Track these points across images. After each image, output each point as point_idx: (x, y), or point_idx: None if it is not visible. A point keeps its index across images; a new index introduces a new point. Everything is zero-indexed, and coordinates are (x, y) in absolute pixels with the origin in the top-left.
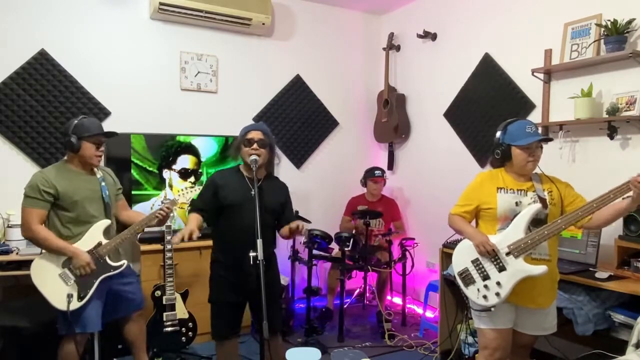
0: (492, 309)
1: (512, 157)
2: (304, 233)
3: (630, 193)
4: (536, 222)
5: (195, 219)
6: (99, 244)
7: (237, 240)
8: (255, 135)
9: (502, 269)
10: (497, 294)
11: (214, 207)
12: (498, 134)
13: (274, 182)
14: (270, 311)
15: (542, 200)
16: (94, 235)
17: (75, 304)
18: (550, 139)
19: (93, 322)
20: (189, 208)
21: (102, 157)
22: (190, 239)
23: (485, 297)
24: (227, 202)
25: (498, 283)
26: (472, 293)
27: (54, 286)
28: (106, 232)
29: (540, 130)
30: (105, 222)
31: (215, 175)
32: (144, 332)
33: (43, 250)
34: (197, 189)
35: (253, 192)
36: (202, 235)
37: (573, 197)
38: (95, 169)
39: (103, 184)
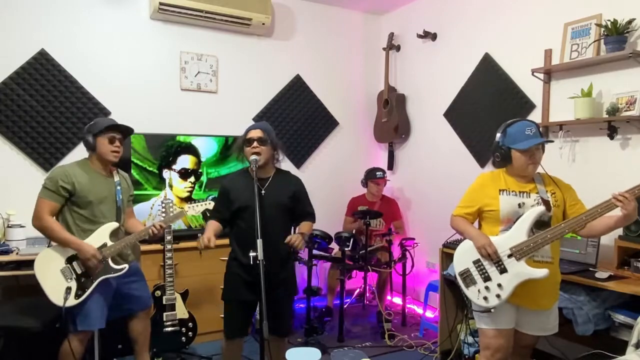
0: (492, 310)
1: (512, 159)
2: (298, 245)
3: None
4: (539, 224)
5: (212, 225)
6: (104, 245)
7: (247, 241)
8: (254, 134)
9: (503, 270)
10: (498, 296)
11: (229, 212)
12: (498, 136)
13: (285, 177)
14: (280, 311)
15: (546, 203)
16: (101, 235)
17: (71, 301)
18: (551, 141)
19: (95, 320)
20: (209, 216)
21: (120, 154)
22: (208, 247)
23: (485, 298)
24: (238, 204)
25: (499, 285)
26: (473, 294)
27: (54, 281)
28: (113, 235)
29: (540, 130)
30: (114, 225)
31: (224, 181)
32: (148, 331)
33: (51, 244)
34: (207, 204)
35: (264, 192)
36: None
37: (575, 200)
38: (115, 172)
39: (119, 187)
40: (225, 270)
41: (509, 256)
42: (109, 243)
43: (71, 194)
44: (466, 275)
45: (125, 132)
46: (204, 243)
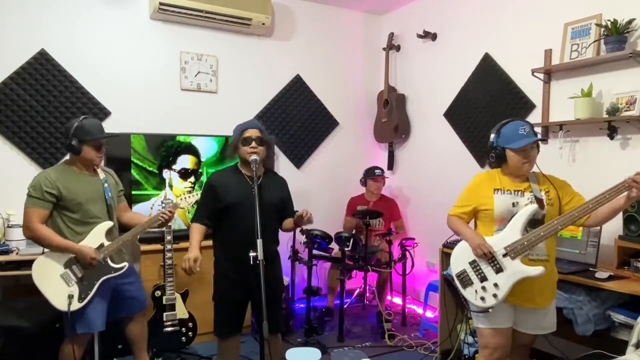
0: (490, 310)
1: (507, 159)
2: (308, 220)
3: (625, 193)
4: (533, 222)
5: (197, 233)
6: (101, 245)
7: (240, 239)
8: (253, 133)
9: (499, 270)
10: (495, 295)
11: (216, 210)
12: (492, 136)
13: (274, 177)
14: (270, 310)
15: (539, 201)
16: (97, 236)
17: (75, 305)
18: (544, 140)
19: (95, 322)
20: (192, 217)
21: (103, 158)
22: (192, 272)
23: (482, 298)
24: (228, 202)
25: (495, 284)
26: (470, 294)
27: (55, 286)
28: (108, 234)
29: (536, 129)
30: (108, 224)
31: (212, 178)
32: (145, 332)
33: (45, 250)
34: (198, 194)
35: (254, 191)
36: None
37: (570, 195)
38: (98, 170)
39: (106, 185)
40: (214, 270)
41: (504, 255)
42: (106, 243)
43: (58, 199)
44: (463, 276)
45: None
46: (189, 265)
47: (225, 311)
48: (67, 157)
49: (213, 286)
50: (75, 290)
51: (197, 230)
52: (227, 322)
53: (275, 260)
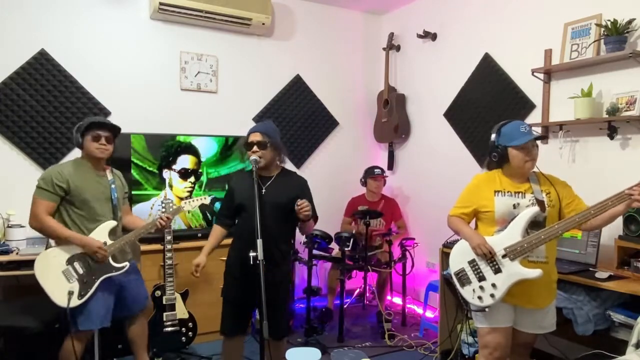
0: (486, 309)
1: (509, 158)
2: (305, 211)
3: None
4: (534, 224)
5: (213, 237)
6: (104, 244)
7: (243, 239)
8: (254, 137)
9: (497, 270)
10: (492, 295)
11: (232, 210)
12: (493, 136)
13: (289, 178)
14: (274, 313)
15: (540, 203)
16: (100, 234)
17: (75, 302)
18: (546, 137)
19: (98, 319)
20: (215, 220)
21: (108, 152)
22: (194, 275)
23: (480, 297)
24: (238, 202)
25: (493, 285)
26: (468, 293)
27: (56, 282)
28: (112, 233)
29: (536, 129)
30: (112, 223)
31: (231, 178)
32: (146, 331)
33: (52, 244)
34: (203, 199)
35: (264, 191)
36: (202, 235)
37: (571, 198)
38: (107, 171)
39: (113, 186)
40: (225, 268)
41: (503, 256)
42: (109, 242)
43: (66, 193)
44: (461, 275)
45: (112, 129)
46: (192, 271)
47: (228, 309)
48: (81, 154)
49: (223, 283)
50: (75, 286)
51: (214, 233)
52: (229, 320)
53: (280, 264)
